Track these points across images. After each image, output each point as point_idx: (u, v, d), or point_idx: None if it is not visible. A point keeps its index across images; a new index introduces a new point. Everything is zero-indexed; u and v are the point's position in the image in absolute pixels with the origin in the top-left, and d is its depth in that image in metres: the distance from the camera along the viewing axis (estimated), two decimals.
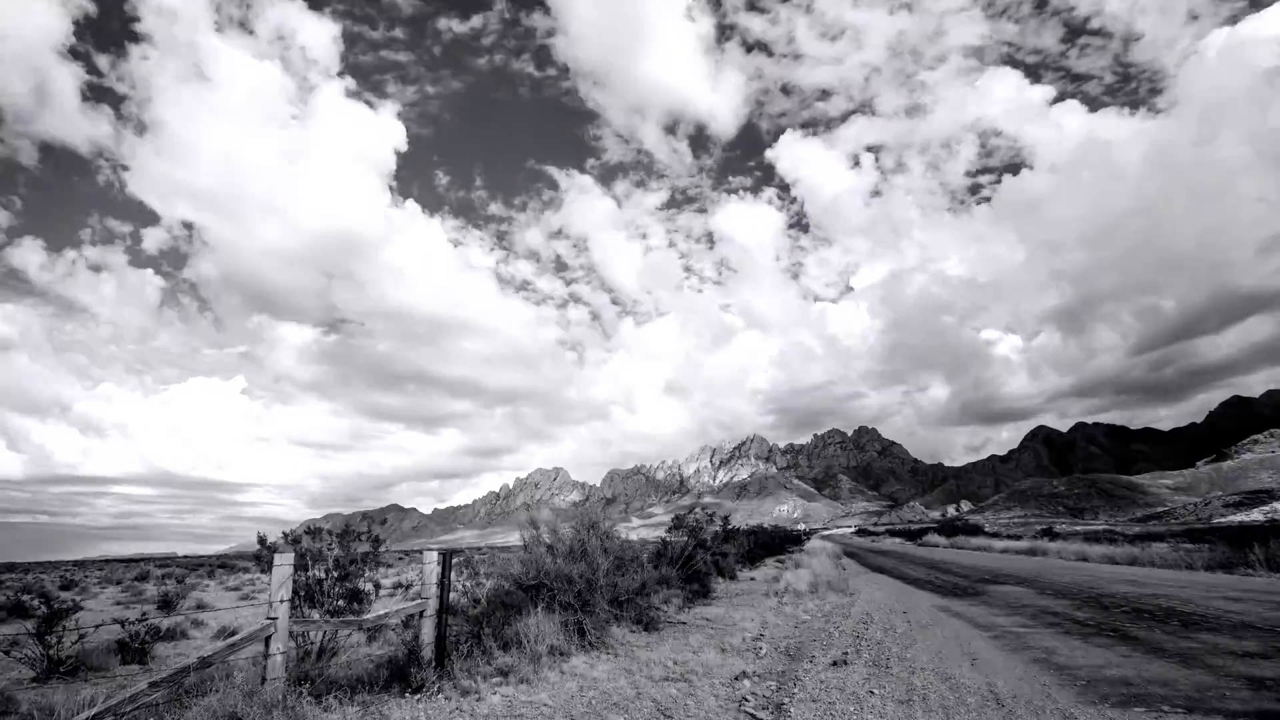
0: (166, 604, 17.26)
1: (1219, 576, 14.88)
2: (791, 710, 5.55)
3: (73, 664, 8.57)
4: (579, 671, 7.01)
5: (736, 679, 6.68)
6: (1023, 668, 6.65)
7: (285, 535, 7.43)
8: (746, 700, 5.91)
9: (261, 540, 7.23)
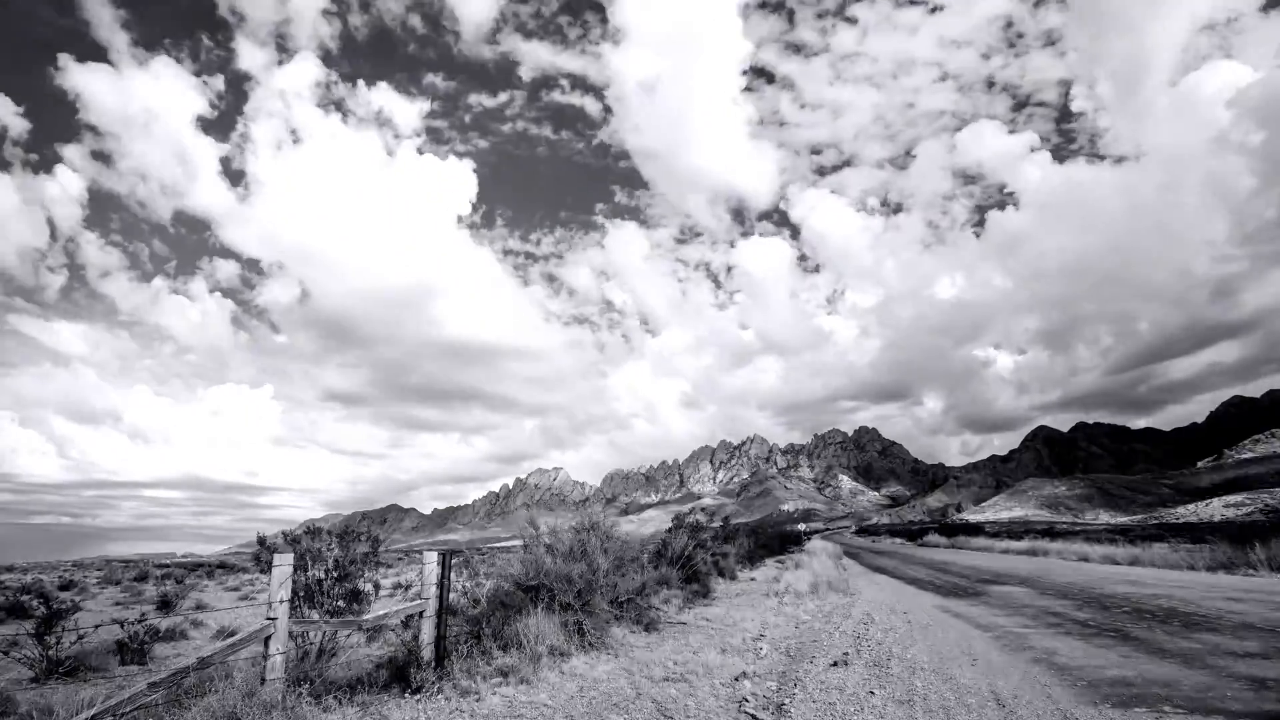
0: (165, 604, 17.25)
1: (1220, 577, 14.86)
2: (792, 710, 5.54)
3: (72, 664, 8.55)
4: (579, 672, 7.00)
5: (737, 679, 6.66)
6: (1023, 668, 6.63)
7: (284, 535, 7.42)
8: (747, 701, 5.90)
9: (260, 540, 7.21)
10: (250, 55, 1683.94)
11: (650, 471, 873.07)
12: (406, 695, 6.05)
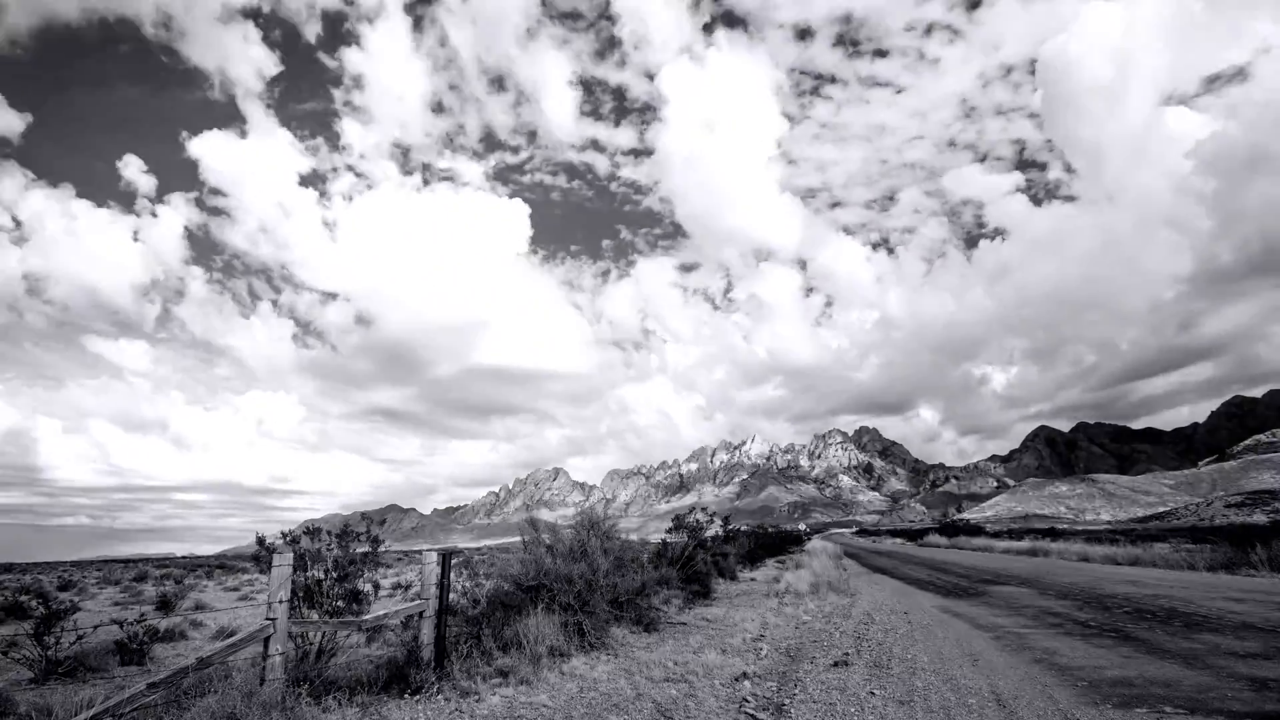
0: (165, 604, 17.24)
1: (1221, 577, 14.85)
2: (792, 711, 5.53)
3: (71, 665, 8.54)
4: (579, 672, 6.99)
5: (737, 680, 6.65)
6: (1024, 668, 6.62)
7: (284, 535, 7.41)
8: (747, 701, 5.89)
9: (260, 540, 7.20)
10: (352, 130, 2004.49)
11: (650, 472, 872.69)
12: (406, 696, 6.04)
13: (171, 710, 5.33)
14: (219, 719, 4.89)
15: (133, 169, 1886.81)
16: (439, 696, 6.03)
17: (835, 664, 7.21)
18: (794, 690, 6.18)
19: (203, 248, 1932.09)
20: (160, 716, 5.27)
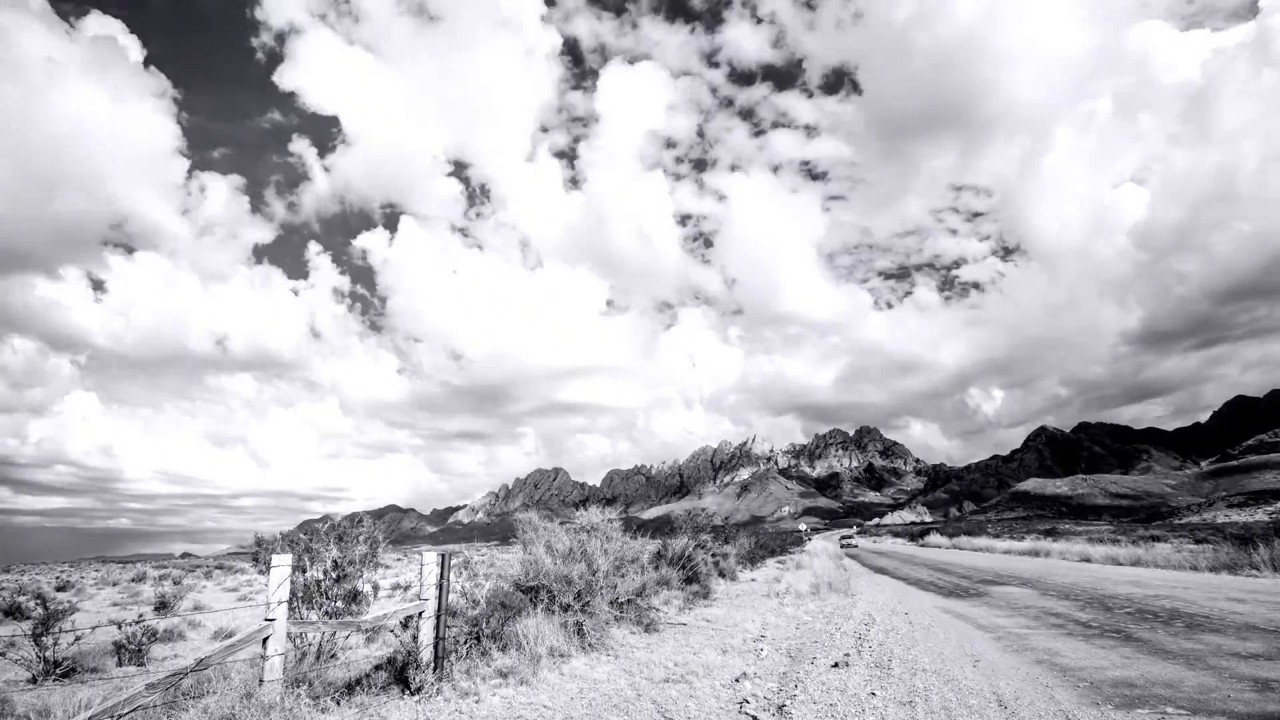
0: (163, 605, 17.22)
1: (1223, 578, 14.82)
2: (792, 712, 5.50)
3: (69, 666, 8.53)
4: (579, 673, 6.97)
5: (737, 680, 6.63)
6: (1025, 669, 6.59)
7: (282, 536, 7.39)
8: (747, 702, 5.87)
9: (258, 540, 7.19)
10: (485, 227, 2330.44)
11: (650, 472, 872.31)
12: (405, 696, 6.02)
13: (170, 711, 5.31)
14: None
15: (312, 251, 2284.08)
16: (439, 697, 6.01)
17: (836, 665, 7.19)
18: (794, 691, 6.16)
19: (360, 310, 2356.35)
20: (159, 717, 5.25)
